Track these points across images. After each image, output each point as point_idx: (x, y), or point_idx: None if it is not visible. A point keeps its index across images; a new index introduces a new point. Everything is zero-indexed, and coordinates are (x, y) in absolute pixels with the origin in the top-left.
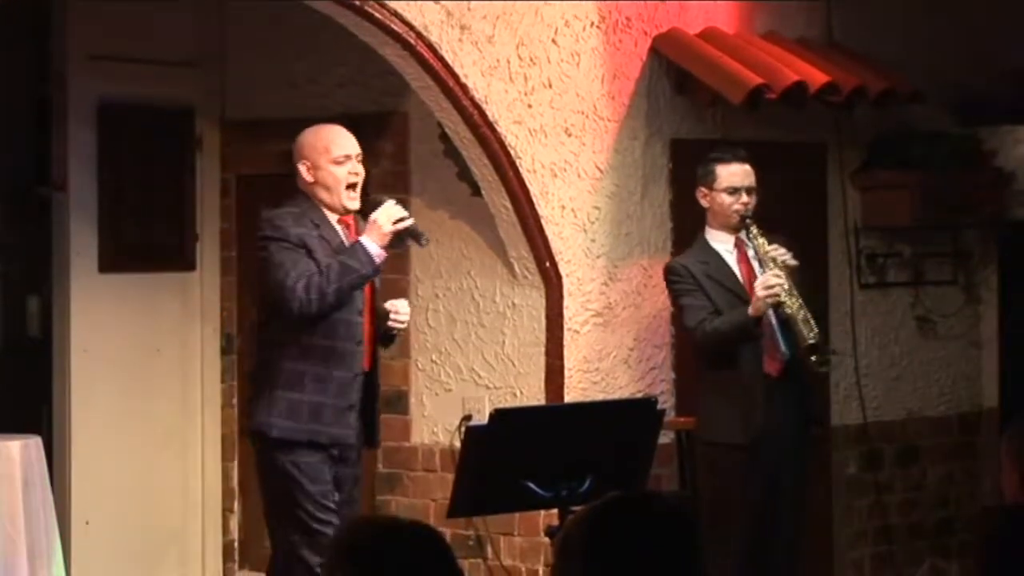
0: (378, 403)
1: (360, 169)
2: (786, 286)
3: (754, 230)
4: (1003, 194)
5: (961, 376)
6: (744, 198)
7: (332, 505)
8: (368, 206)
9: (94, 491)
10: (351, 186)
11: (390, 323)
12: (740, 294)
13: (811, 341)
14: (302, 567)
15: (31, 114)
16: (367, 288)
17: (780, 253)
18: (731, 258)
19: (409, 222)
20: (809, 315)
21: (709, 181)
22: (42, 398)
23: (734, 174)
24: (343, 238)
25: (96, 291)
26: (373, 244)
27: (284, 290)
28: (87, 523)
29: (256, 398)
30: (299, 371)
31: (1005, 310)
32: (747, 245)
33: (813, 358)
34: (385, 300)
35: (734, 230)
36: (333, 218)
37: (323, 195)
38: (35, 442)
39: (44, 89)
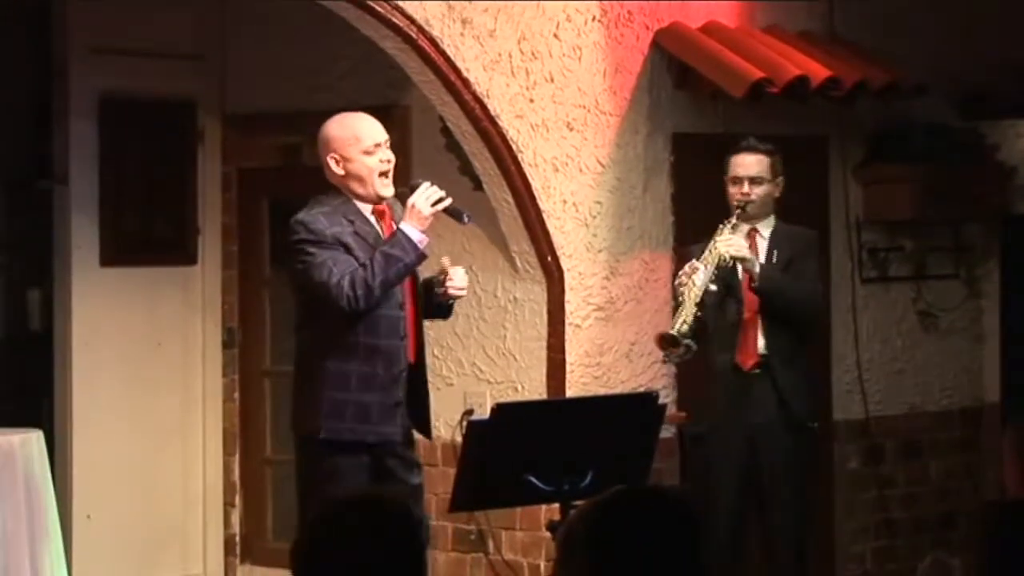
0: (428, 394)
1: (391, 155)
2: (697, 279)
3: (733, 219)
4: (1005, 188)
5: (963, 370)
6: (744, 188)
7: None
8: (404, 192)
9: (95, 485)
10: (383, 173)
11: (449, 291)
12: (730, 281)
13: (671, 331)
14: None
15: (32, 108)
16: (407, 280)
17: (727, 246)
18: (744, 244)
19: (448, 202)
20: (693, 313)
21: (725, 170)
22: (43, 391)
23: (737, 164)
24: (379, 230)
25: (97, 284)
26: (414, 230)
27: (330, 288)
28: (88, 517)
29: (300, 400)
30: (343, 371)
31: (1007, 304)
32: (759, 233)
33: (666, 349)
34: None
35: (742, 217)
36: (367, 209)
37: (355, 187)
38: (36, 436)
39: (45, 83)
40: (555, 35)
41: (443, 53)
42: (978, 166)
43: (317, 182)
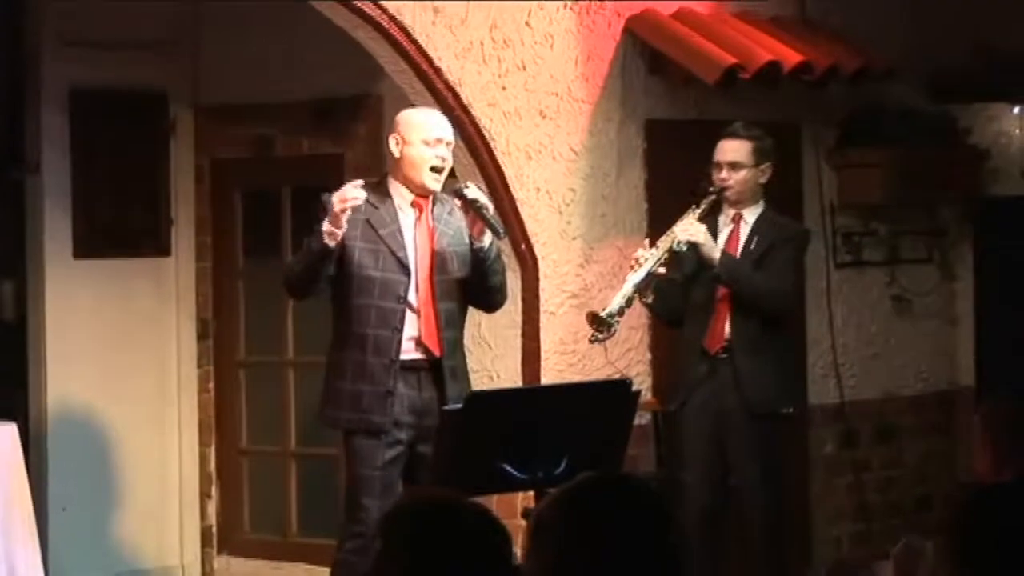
0: (447, 391)
1: (448, 155)
2: (646, 262)
3: (704, 205)
4: (978, 171)
5: (937, 354)
6: (723, 173)
7: (377, 491)
8: (455, 193)
9: (71, 477)
10: (436, 169)
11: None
12: (704, 265)
13: (601, 312)
14: (342, 549)
15: (4, 98)
16: (426, 274)
17: (683, 231)
18: (725, 229)
19: (479, 208)
20: (630, 297)
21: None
22: (17, 383)
23: (719, 149)
24: (401, 224)
25: (70, 276)
26: (324, 221)
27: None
28: (64, 509)
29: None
30: (341, 359)
31: (980, 287)
32: (743, 219)
33: (596, 328)
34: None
35: (727, 203)
36: (407, 199)
37: (406, 170)
38: (11, 428)
39: (17, 73)
40: (527, 23)
41: (415, 42)
42: (951, 149)
43: (290, 173)
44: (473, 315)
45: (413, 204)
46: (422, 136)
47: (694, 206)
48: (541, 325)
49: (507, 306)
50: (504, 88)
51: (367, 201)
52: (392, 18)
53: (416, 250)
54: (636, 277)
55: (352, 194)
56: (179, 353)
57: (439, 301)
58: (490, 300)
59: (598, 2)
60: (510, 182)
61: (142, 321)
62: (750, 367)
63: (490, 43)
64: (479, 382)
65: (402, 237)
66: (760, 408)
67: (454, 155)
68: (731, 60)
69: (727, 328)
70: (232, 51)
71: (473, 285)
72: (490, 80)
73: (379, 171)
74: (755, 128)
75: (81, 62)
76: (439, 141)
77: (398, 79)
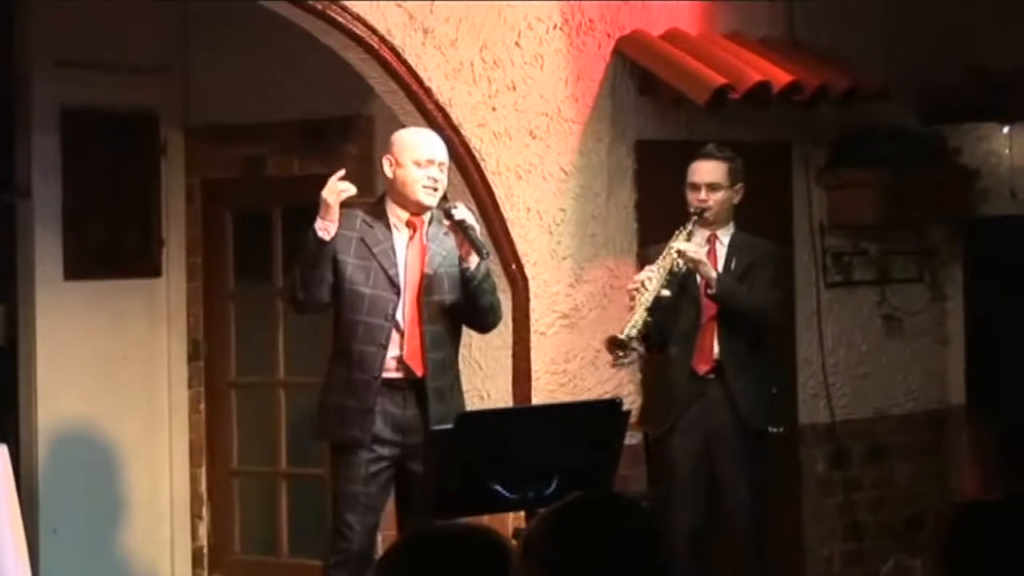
0: (429, 411)
1: (440, 177)
2: (649, 284)
3: (690, 226)
4: (967, 191)
5: (928, 373)
6: (702, 194)
7: (359, 507)
8: (444, 213)
9: (62, 499)
10: (428, 187)
11: (456, 224)
12: (688, 285)
13: (620, 335)
14: (327, 564)
15: None
16: (414, 295)
17: (687, 251)
18: (701, 250)
19: (464, 226)
20: (643, 318)
21: (687, 177)
22: (8, 406)
23: (695, 170)
24: (394, 242)
25: (61, 298)
26: (318, 219)
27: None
28: (55, 531)
29: None
30: (333, 374)
31: (971, 307)
32: (718, 239)
33: (615, 353)
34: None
35: (701, 224)
36: (402, 219)
37: (400, 190)
38: (1, 451)
39: (7, 95)
40: (516, 43)
41: (405, 63)
42: (940, 169)
43: (281, 193)
44: (464, 335)
45: (408, 224)
46: (413, 157)
47: (681, 228)
48: (532, 345)
49: (498, 326)
50: (494, 108)
51: (363, 220)
52: (382, 39)
53: (407, 269)
54: (646, 300)
55: (342, 186)
56: (170, 374)
57: (425, 323)
58: (483, 321)
59: (588, 23)
60: (500, 202)
61: (133, 342)
62: (741, 386)
63: (480, 64)
64: (470, 402)
65: (394, 255)
66: (754, 424)
67: None
68: (721, 80)
69: (715, 348)
70: (223, 72)
71: (463, 306)
72: (480, 100)
73: (370, 191)
74: (727, 149)
75: (72, 83)
76: (431, 162)
77: (388, 100)
